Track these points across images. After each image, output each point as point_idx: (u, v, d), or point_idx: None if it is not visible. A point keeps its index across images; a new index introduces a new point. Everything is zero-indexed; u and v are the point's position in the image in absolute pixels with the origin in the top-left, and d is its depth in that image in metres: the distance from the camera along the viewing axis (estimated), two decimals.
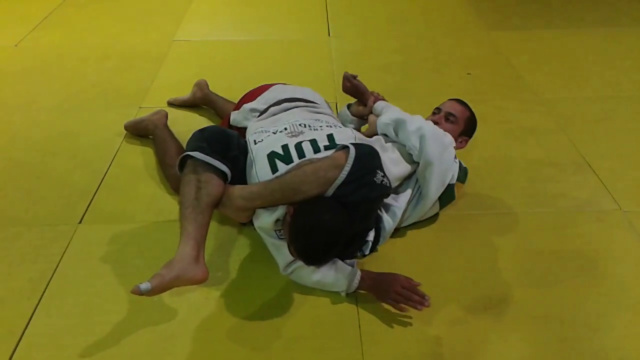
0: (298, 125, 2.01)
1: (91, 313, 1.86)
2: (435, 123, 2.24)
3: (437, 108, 2.38)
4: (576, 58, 3.59)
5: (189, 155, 1.86)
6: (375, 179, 1.75)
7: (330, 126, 2.06)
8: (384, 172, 1.79)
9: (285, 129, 2.00)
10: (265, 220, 1.84)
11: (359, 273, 1.88)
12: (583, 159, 2.60)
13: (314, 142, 1.89)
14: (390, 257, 2.08)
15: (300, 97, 2.31)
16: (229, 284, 1.96)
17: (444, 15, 4.25)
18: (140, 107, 3.04)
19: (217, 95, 2.94)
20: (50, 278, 1.99)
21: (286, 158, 1.85)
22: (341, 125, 2.17)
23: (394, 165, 2.06)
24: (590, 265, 2.04)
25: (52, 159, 2.65)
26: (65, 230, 2.20)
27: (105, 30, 4.09)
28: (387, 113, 2.25)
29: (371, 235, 1.98)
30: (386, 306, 1.86)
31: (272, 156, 1.87)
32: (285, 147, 1.87)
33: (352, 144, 1.79)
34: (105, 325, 1.81)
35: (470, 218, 2.27)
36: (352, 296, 1.91)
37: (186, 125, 2.74)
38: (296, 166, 1.81)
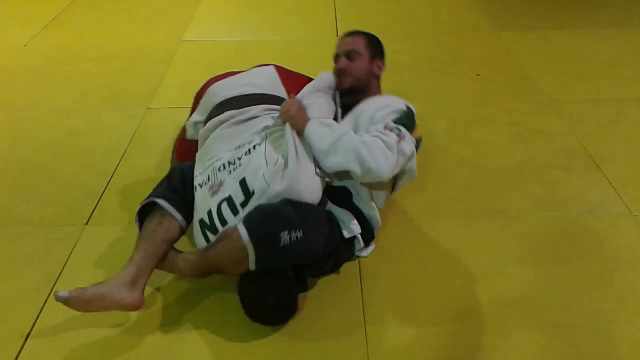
0: (218, 172, 1.90)
1: (96, 315, 1.85)
2: (341, 70, 2.10)
3: (335, 55, 2.17)
4: (587, 59, 3.56)
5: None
6: (282, 244, 1.68)
7: (250, 150, 1.91)
8: (288, 227, 1.69)
9: (208, 177, 1.91)
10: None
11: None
12: (593, 161, 2.58)
13: (230, 202, 1.81)
14: (397, 258, 2.06)
15: (234, 94, 2.15)
16: (234, 287, 1.95)
17: (452, 16, 4.22)
18: (148, 108, 3.04)
19: None
20: (57, 279, 1.99)
21: (212, 228, 1.82)
22: (268, 124, 2.01)
23: None
24: (600, 270, 2.02)
25: (60, 160, 2.65)
26: (72, 231, 2.20)
27: (113, 31, 4.09)
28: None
29: (356, 230, 1.96)
30: (392, 306, 1.85)
31: (202, 225, 1.85)
32: (210, 214, 1.83)
33: (243, 222, 1.72)
34: (111, 327, 1.81)
35: (479, 220, 2.25)
36: (359, 299, 1.90)
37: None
38: (217, 240, 1.80)
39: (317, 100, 2.05)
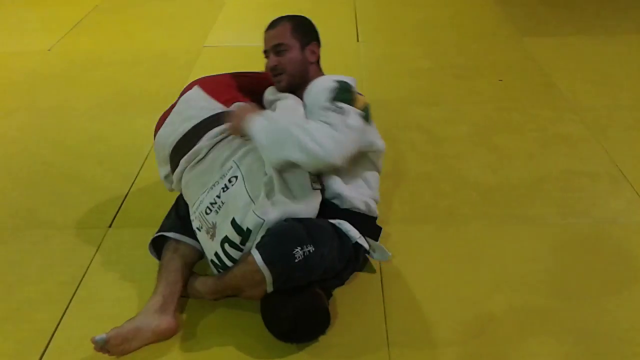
0: (206, 215, 1.82)
1: (120, 317, 1.85)
2: (273, 68, 1.98)
3: (263, 51, 2.04)
4: (610, 65, 3.52)
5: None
6: (296, 261, 1.63)
7: (226, 185, 1.81)
8: (300, 243, 1.65)
9: (200, 225, 1.85)
10: None
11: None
12: (617, 168, 2.54)
13: (231, 242, 1.75)
14: (419, 264, 2.05)
15: (177, 138, 1.98)
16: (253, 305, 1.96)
17: (474, 22, 4.21)
18: None
19: None
20: (80, 281, 2.01)
21: (224, 267, 1.79)
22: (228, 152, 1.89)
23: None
24: (624, 278, 1.99)
25: (84, 163, 2.68)
26: (96, 234, 2.22)
27: (136, 35, 4.14)
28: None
29: (355, 235, 1.84)
30: (415, 312, 1.84)
31: (215, 265, 1.83)
32: (217, 256, 1.79)
33: (256, 247, 1.68)
34: None
35: (502, 227, 2.23)
36: (380, 301, 1.90)
37: None
38: (233, 266, 1.77)
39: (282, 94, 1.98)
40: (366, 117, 1.85)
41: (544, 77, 3.38)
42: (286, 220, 1.72)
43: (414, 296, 1.93)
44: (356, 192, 1.92)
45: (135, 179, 2.54)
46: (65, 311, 1.90)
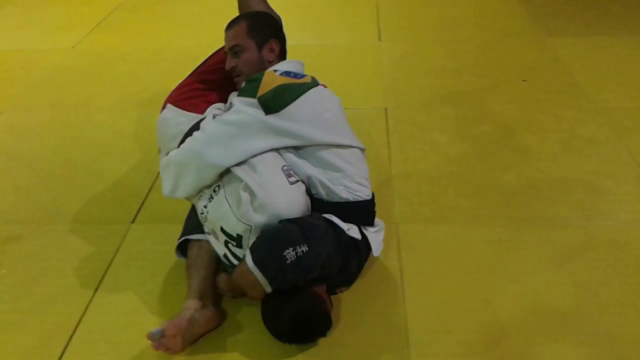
0: (206, 222, 1.85)
1: (142, 311, 1.88)
2: (233, 69, 1.99)
3: (224, 52, 2.08)
4: (636, 66, 3.46)
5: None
6: (289, 262, 1.61)
7: (212, 196, 1.83)
8: (292, 244, 1.62)
9: (208, 231, 1.88)
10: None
11: None
12: None
13: (232, 243, 1.77)
14: (439, 265, 2.04)
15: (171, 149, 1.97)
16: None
17: (498, 21, 4.17)
18: None
19: None
20: (103, 275, 2.03)
21: (232, 266, 1.79)
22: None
23: None
24: None
25: (107, 159, 2.70)
26: (118, 229, 2.24)
27: (159, 33, 4.16)
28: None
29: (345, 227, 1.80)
30: (436, 312, 1.83)
31: (225, 264, 1.84)
32: (226, 257, 1.81)
33: (249, 247, 1.67)
34: (156, 324, 1.83)
35: (526, 229, 2.20)
36: (401, 300, 1.89)
37: None
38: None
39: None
40: (266, 101, 1.77)
41: (568, 77, 3.34)
42: (280, 221, 1.71)
43: (435, 296, 1.92)
44: (334, 182, 1.84)
45: (158, 175, 2.55)
46: (88, 305, 1.92)
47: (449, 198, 2.37)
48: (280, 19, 2.32)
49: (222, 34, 2.13)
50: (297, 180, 1.79)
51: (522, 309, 1.86)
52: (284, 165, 1.80)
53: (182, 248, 1.96)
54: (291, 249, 1.62)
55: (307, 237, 1.65)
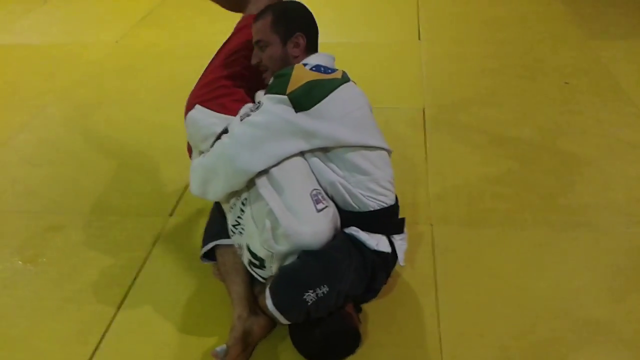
0: (233, 235, 1.82)
1: (178, 303, 1.92)
2: (258, 64, 1.91)
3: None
4: None
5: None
6: (310, 304, 1.56)
7: (242, 209, 1.75)
8: (312, 286, 1.56)
9: (234, 244, 1.84)
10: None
11: None
12: None
13: (254, 264, 1.74)
14: (476, 268, 2.03)
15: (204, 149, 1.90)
16: None
17: (540, 23, 4.10)
18: None
19: None
20: (141, 266, 2.07)
21: (258, 281, 1.80)
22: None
23: None
24: None
25: (147, 153, 2.75)
26: (157, 222, 2.28)
27: (201, 29, 4.21)
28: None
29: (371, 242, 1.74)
30: (469, 317, 1.82)
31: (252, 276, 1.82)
32: (250, 273, 1.81)
33: (269, 287, 1.62)
34: (190, 316, 1.87)
35: (563, 234, 2.17)
36: (434, 303, 1.88)
37: None
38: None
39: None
40: (296, 98, 1.69)
41: (610, 80, 3.27)
42: (299, 256, 1.63)
43: (468, 300, 1.91)
44: (359, 186, 1.75)
45: None
46: (126, 294, 1.96)
47: (487, 201, 2.35)
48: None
49: None
50: (326, 207, 1.69)
51: (558, 315, 1.84)
52: (314, 190, 1.70)
53: (208, 252, 1.94)
54: (311, 291, 1.56)
55: (328, 276, 1.59)
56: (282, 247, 1.63)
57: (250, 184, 1.72)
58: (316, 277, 1.58)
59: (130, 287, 1.99)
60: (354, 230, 1.73)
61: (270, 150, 1.69)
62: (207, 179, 1.79)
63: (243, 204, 1.74)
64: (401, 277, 1.99)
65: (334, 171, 1.75)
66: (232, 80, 2.03)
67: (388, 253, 1.76)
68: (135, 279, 2.02)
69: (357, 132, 1.75)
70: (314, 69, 1.78)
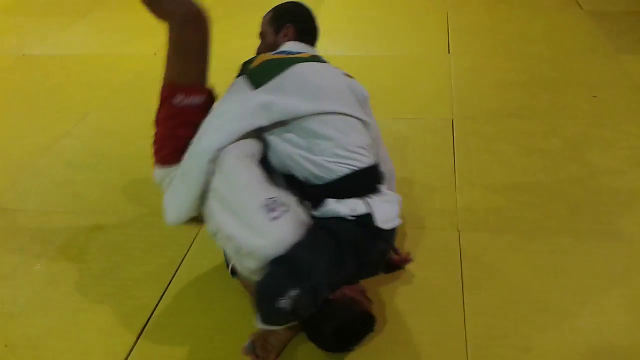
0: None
1: (215, 299, 2.00)
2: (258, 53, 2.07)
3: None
4: None
5: None
6: (289, 309, 1.50)
7: None
8: (281, 292, 1.49)
9: None
10: None
11: None
12: None
13: None
14: (502, 275, 2.08)
15: None
16: None
17: (568, 37, 4.14)
18: None
19: None
20: (180, 264, 2.17)
21: None
22: None
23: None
24: None
25: None
26: None
27: (231, 44, 4.31)
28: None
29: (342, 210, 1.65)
30: (495, 322, 1.86)
31: None
32: None
33: (254, 309, 1.57)
34: (226, 310, 1.96)
35: (589, 243, 2.21)
36: (460, 307, 1.93)
37: None
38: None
39: None
40: (253, 74, 1.84)
41: (639, 95, 3.29)
42: (266, 267, 1.56)
43: (495, 306, 1.95)
44: (324, 154, 1.70)
45: None
46: (165, 291, 2.06)
47: (514, 209, 2.40)
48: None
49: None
50: (283, 212, 1.60)
51: (583, 325, 1.87)
52: (267, 199, 1.61)
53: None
54: (282, 298, 1.49)
55: (293, 278, 1.51)
56: (252, 264, 1.59)
57: (210, 214, 1.70)
58: (282, 284, 1.51)
59: (169, 283, 2.08)
60: (325, 208, 1.66)
61: (230, 127, 1.72)
62: (178, 187, 1.86)
63: (214, 235, 1.73)
64: (428, 280, 2.05)
65: (293, 144, 1.72)
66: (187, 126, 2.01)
67: (368, 214, 1.65)
68: (174, 275, 2.12)
69: (314, 101, 1.74)
70: (278, 52, 1.94)
